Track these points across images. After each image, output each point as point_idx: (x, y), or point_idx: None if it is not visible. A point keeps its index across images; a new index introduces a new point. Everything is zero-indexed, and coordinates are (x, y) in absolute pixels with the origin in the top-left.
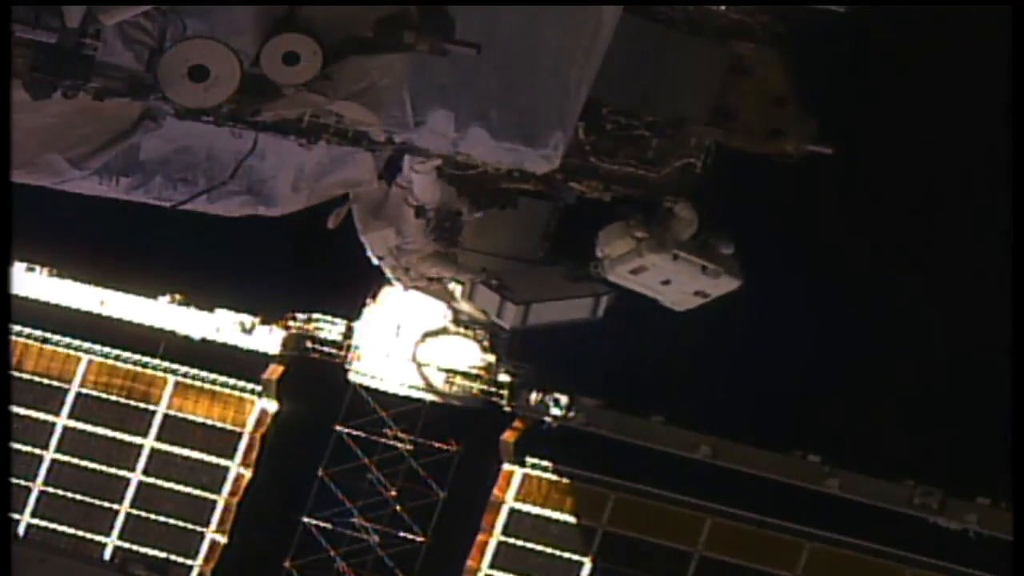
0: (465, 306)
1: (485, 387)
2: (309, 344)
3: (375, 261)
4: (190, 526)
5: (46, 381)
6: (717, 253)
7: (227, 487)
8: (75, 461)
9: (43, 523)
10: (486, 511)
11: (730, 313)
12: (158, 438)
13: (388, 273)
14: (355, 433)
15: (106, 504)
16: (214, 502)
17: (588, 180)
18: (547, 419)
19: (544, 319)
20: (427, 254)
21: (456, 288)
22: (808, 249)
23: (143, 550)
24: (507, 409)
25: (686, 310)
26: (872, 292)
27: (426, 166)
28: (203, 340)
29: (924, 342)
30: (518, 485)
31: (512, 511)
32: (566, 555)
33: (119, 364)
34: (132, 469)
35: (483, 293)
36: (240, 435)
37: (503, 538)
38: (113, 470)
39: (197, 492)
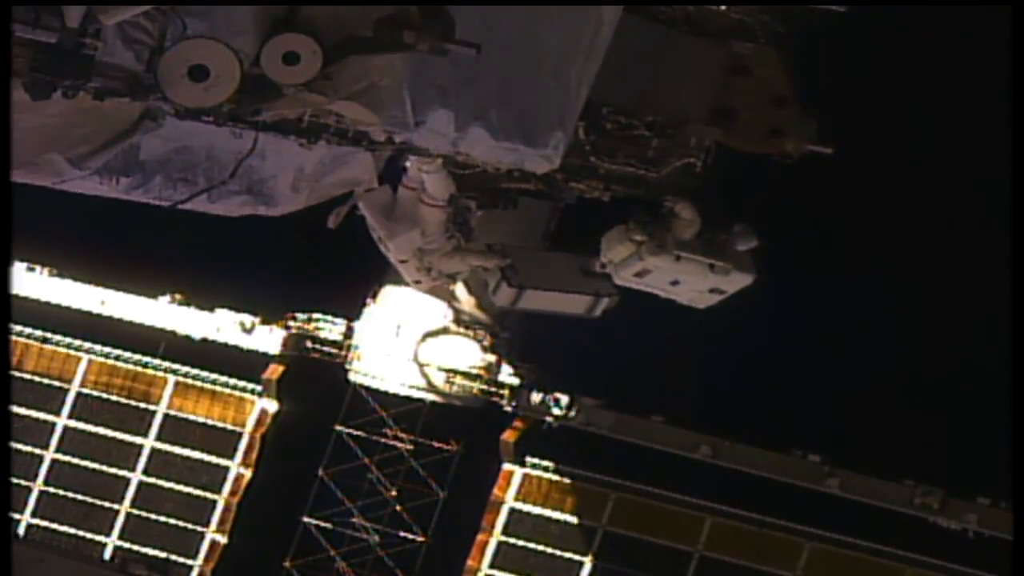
0: (466, 306)
1: (485, 387)
2: (309, 344)
3: (396, 265)
4: (190, 526)
5: (46, 381)
6: (727, 250)
7: (227, 487)
8: (75, 461)
9: (43, 523)
10: (486, 511)
11: (730, 313)
12: (158, 438)
13: (408, 276)
14: (355, 433)
15: (106, 504)
16: (214, 502)
17: (588, 180)
18: (547, 419)
19: (536, 306)
20: (447, 250)
21: (458, 288)
22: (808, 249)
23: (143, 550)
24: (507, 409)
25: (707, 307)
26: (872, 292)
27: (434, 164)
28: (203, 340)
29: (924, 342)
30: (518, 485)
31: (512, 511)
32: (566, 555)
33: (119, 364)
34: (132, 469)
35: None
36: (240, 435)
37: (503, 538)
38: (113, 470)
39: (197, 492)
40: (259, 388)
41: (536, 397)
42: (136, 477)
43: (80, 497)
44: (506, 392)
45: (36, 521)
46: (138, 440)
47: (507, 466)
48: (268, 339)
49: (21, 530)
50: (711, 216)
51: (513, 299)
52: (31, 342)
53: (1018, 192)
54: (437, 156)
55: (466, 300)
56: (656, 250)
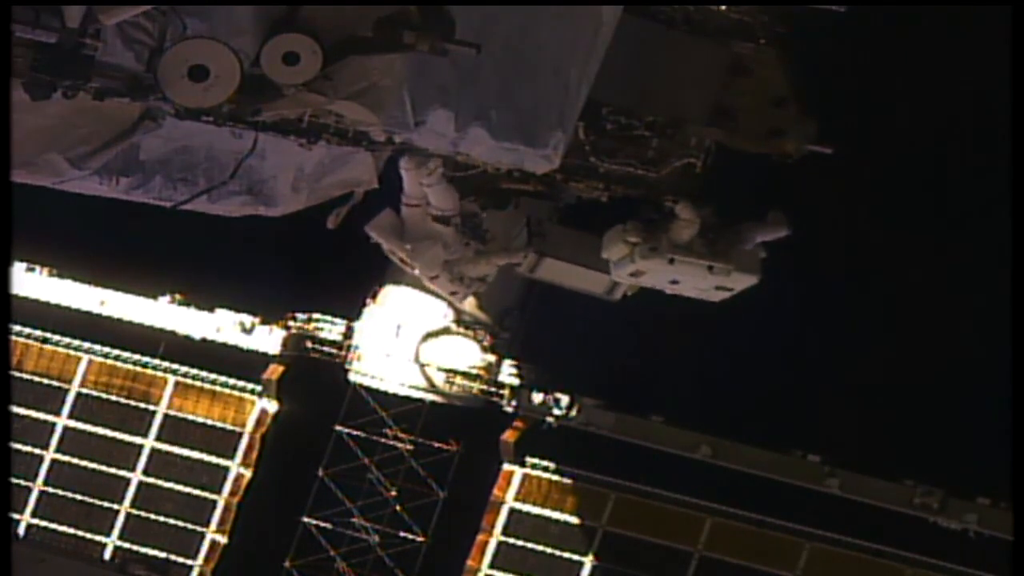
0: (467, 306)
1: (485, 387)
2: (309, 344)
3: (427, 283)
4: (190, 526)
5: (46, 381)
6: (732, 250)
7: (227, 487)
8: (75, 461)
9: (43, 523)
10: (486, 511)
11: (730, 313)
12: (158, 438)
13: (444, 291)
14: (355, 433)
15: (106, 504)
16: (214, 502)
17: (588, 180)
18: (547, 419)
19: (555, 278)
20: (470, 257)
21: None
22: (808, 249)
23: (143, 550)
24: (507, 409)
25: (720, 301)
26: (872, 291)
27: (433, 177)
28: (203, 340)
29: (924, 342)
30: (518, 485)
31: (512, 511)
32: (566, 555)
33: (119, 364)
34: (132, 469)
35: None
36: (240, 435)
37: (503, 538)
38: (113, 470)
39: (197, 492)
40: (259, 388)
41: (537, 397)
42: (136, 477)
43: (80, 497)
44: (506, 392)
45: (36, 521)
46: (138, 440)
47: (507, 466)
48: (268, 339)
49: (21, 530)
50: (715, 216)
51: (532, 266)
52: (31, 342)
53: (1018, 192)
54: (434, 168)
55: (467, 300)
56: (649, 253)
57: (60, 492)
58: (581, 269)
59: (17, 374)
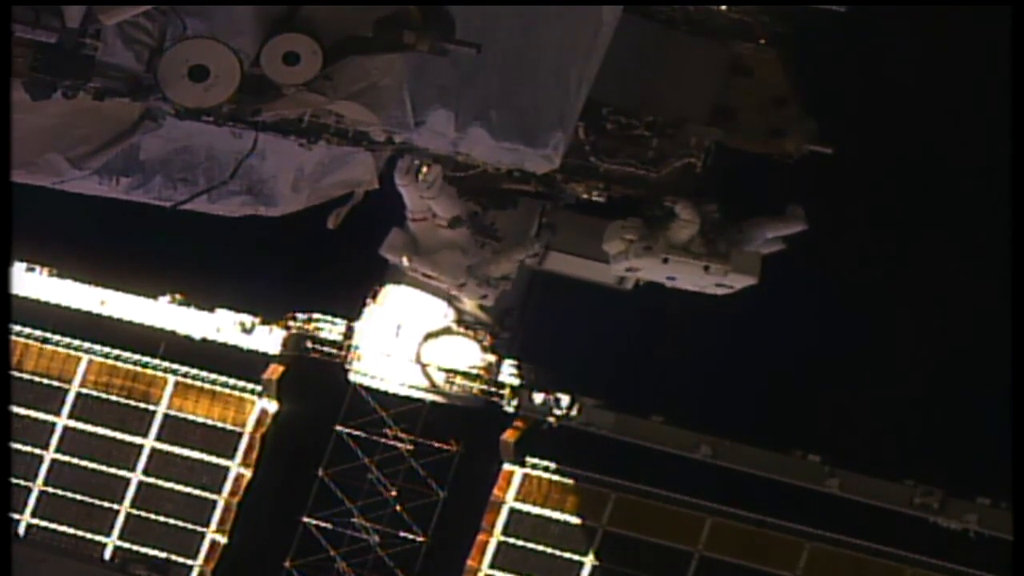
0: (467, 306)
1: (485, 387)
2: (309, 344)
3: (456, 292)
4: (190, 526)
5: (46, 381)
6: (731, 250)
7: (227, 487)
8: (75, 461)
9: (43, 523)
10: (486, 511)
11: (731, 313)
12: (158, 438)
13: (474, 296)
14: (355, 433)
15: (106, 504)
16: (214, 502)
17: (588, 180)
18: (548, 419)
19: (563, 269)
20: (489, 257)
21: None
22: (808, 249)
23: (143, 550)
24: (507, 409)
25: (725, 294)
26: (872, 292)
27: (433, 189)
28: (203, 340)
29: (924, 342)
30: (518, 485)
31: (512, 511)
32: (566, 555)
33: (119, 364)
34: (132, 469)
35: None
36: (240, 435)
37: (503, 538)
38: (113, 470)
39: (197, 492)
40: (259, 388)
41: (537, 397)
42: (136, 477)
43: (80, 497)
44: (506, 392)
45: (36, 521)
46: (138, 440)
47: (507, 466)
48: (268, 339)
49: (21, 530)
50: (717, 214)
51: (540, 257)
52: (31, 342)
53: (1018, 192)
54: (432, 180)
55: (468, 300)
56: (643, 252)
57: (60, 492)
58: (587, 261)
59: (17, 374)
